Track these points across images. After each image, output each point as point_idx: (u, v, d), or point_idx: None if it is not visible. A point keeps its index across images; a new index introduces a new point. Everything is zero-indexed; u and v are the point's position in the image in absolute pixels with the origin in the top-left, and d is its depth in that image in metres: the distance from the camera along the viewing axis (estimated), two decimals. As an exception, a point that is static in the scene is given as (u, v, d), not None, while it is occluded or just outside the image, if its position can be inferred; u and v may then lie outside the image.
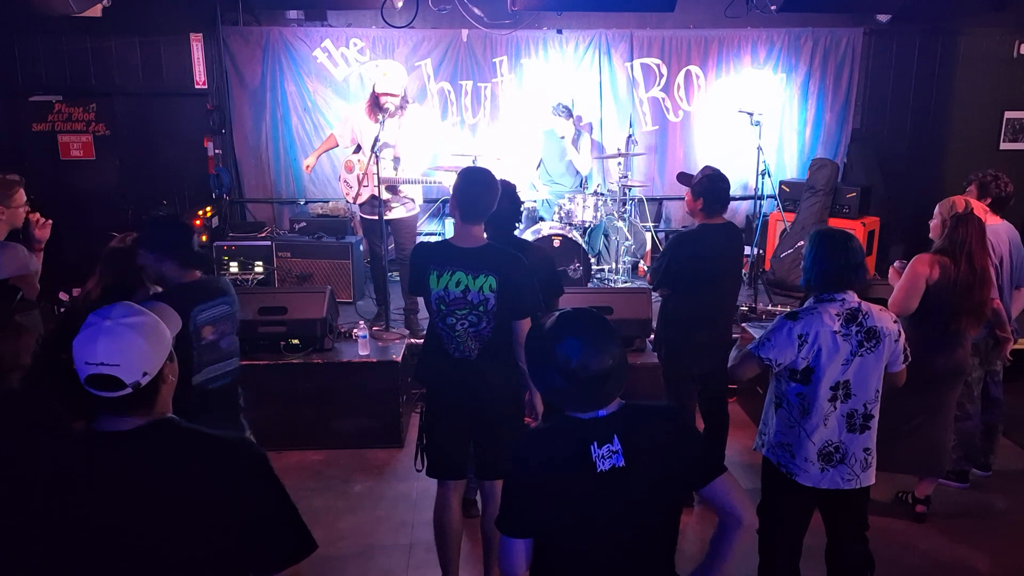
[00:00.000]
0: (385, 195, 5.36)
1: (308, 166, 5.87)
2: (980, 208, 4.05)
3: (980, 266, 3.70)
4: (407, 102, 5.41)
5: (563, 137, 6.62)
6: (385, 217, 5.38)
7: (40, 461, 1.64)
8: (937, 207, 3.97)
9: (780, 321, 2.86)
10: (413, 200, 5.60)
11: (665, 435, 1.97)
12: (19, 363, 2.31)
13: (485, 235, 3.18)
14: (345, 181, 5.64)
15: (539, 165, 6.83)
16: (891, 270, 4.09)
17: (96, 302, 2.24)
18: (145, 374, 1.63)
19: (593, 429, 1.91)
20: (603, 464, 1.88)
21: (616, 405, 1.95)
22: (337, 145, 5.78)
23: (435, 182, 5.78)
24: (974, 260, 3.68)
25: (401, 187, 5.43)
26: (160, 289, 3.26)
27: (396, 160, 5.37)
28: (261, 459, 1.71)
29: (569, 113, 6.57)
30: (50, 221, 3.76)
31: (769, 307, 6.17)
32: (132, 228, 5.64)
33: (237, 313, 3.13)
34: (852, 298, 2.87)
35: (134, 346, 1.62)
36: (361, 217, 5.79)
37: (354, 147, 5.62)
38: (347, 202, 5.82)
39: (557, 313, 1.99)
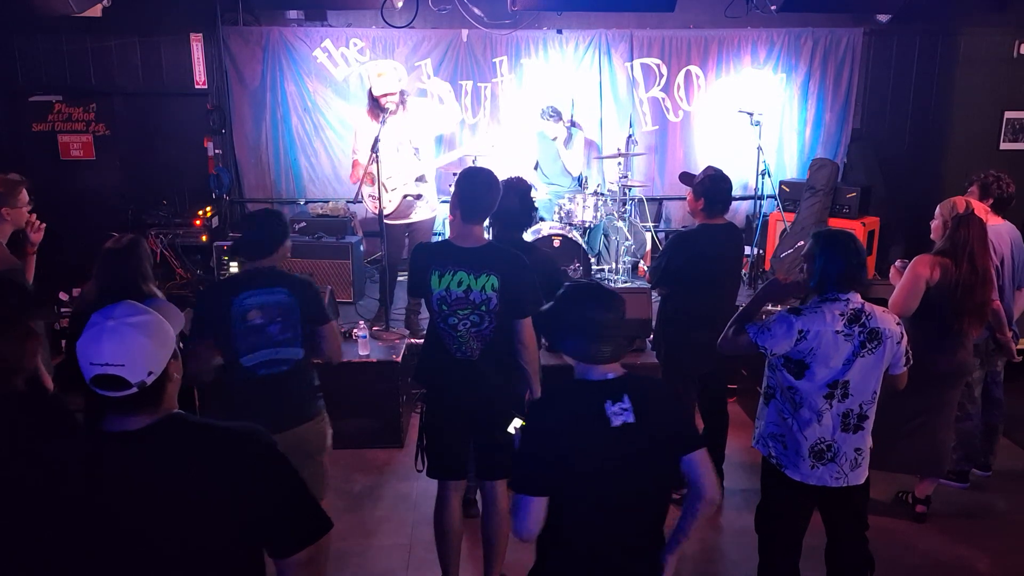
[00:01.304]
0: (416, 189, 5.41)
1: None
2: (981, 209, 4.05)
3: (982, 267, 3.70)
4: (407, 95, 5.41)
5: (555, 139, 6.62)
6: (407, 221, 5.48)
7: (45, 463, 1.64)
8: (938, 208, 3.97)
9: (783, 314, 2.87)
10: (430, 200, 5.62)
11: (663, 401, 2.25)
12: (22, 366, 2.30)
13: (487, 234, 3.18)
14: (372, 196, 5.35)
15: (536, 166, 6.83)
16: (892, 269, 4.09)
17: (94, 304, 2.25)
18: (150, 373, 1.63)
19: (605, 389, 2.16)
20: (616, 420, 2.11)
21: (621, 370, 2.22)
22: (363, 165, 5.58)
23: (453, 172, 5.73)
24: (976, 261, 3.68)
25: (427, 177, 5.49)
26: (157, 289, 3.31)
27: (416, 151, 5.41)
28: (270, 445, 1.73)
29: (559, 115, 6.56)
30: (44, 224, 3.78)
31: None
32: (132, 228, 5.69)
33: (300, 307, 3.14)
34: (856, 299, 2.87)
35: (139, 346, 1.62)
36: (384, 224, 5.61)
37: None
38: (375, 214, 5.50)
39: (569, 282, 2.34)
